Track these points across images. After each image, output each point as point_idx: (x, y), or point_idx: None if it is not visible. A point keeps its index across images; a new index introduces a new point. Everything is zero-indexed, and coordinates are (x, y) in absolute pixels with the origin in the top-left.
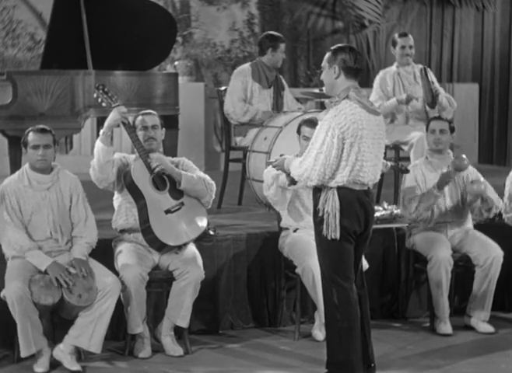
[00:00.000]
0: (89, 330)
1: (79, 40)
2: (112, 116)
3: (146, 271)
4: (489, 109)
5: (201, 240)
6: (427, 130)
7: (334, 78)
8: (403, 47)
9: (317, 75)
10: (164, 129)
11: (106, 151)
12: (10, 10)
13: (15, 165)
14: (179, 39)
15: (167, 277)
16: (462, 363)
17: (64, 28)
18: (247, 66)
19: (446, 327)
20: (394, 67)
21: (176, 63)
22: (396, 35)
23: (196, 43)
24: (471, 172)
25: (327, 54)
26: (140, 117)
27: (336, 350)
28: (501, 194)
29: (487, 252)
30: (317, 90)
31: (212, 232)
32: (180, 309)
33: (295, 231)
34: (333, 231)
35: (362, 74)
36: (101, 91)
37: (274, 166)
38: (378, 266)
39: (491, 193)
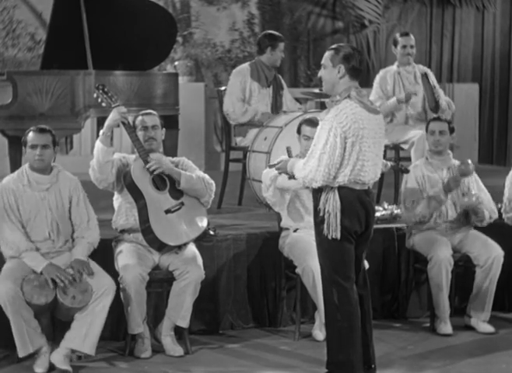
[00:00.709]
0: (82, 332)
1: (79, 40)
2: (112, 117)
3: (146, 271)
4: (489, 109)
5: (201, 240)
6: (427, 131)
7: (338, 77)
8: (404, 47)
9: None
10: (164, 129)
11: (106, 152)
12: (10, 10)
13: (15, 165)
14: (179, 39)
15: (167, 277)
16: (462, 363)
17: (64, 28)
18: (245, 66)
19: (446, 327)
20: (394, 67)
21: (176, 63)
22: (397, 34)
23: (196, 43)
24: (470, 181)
25: (330, 53)
26: (140, 117)
27: (336, 350)
28: (501, 194)
29: (487, 252)
30: (317, 90)
31: (212, 232)
32: (180, 309)
33: (295, 231)
34: (334, 231)
35: (362, 74)
36: (101, 91)
37: (277, 169)
38: (378, 266)
39: (489, 203)
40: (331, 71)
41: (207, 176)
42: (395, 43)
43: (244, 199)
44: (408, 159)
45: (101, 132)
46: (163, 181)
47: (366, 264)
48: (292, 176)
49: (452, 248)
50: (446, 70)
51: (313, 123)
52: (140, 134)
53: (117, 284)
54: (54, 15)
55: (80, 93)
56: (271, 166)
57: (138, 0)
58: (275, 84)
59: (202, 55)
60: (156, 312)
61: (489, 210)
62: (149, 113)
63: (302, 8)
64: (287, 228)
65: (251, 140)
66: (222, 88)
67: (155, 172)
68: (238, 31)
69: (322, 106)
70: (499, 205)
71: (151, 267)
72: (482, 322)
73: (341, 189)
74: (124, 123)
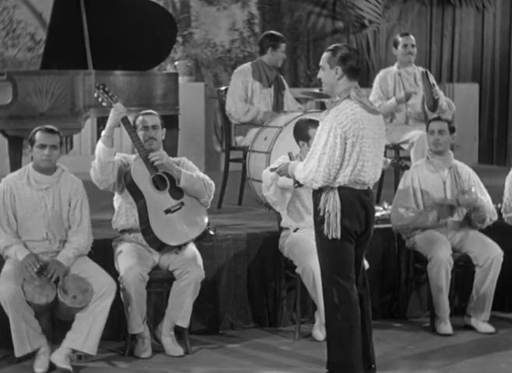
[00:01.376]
0: (84, 332)
1: (79, 40)
2: (112, 116)
3: (146, 271)
4: (489, 109)
5: (201, 240)
6: (427, 131)
7: (336, 79)
8: (405, 46)
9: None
10: (164, 129)
11: (108, 153)
12: (10, 10)
13: (15, 165)
14: (179, 39)
15: (167, 277)
16: (462, 363)
17: (64, 28)
18: (247, 65)
19: (446, 327)
20: (395, 68)
21: (176, 63)
22: (398, 35)
23: (196, 43)
24: (462, 167)
25: (327, 54)
26: (141, 117)
27: (336, 350)
28: (501, 194)
29: (487, 252)
30: (317, 90)
31: (212, 232)
32: (180, 309)
33: (295, 231)
34: (334, 231)
35: (361, 73)
36: (102, 90)
37: (278, 172)
38: (378, 266)
39: (488, 205)
40: (329, 73)
41: (207, 177)
42: (396, 44)
43: (244, 199)
44: (408, 159)
45: (103, 133)
46: (163, 181)
47: (366, 264)
48: (297, 182)
49: (452, 248)
50: (446, 70)
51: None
52: (140, 133)
53: (117, 284)
54: (54, 15)
55: (80, 93)
56: (272, 170)
57: (138, 0)
58: (276, 84)
59: (202, 55)
60: (156, 312)
61: (489, 213)
62: (150, 113)
63: (302, 8)
64: (287, 228)
65: (251, 140)
66: (223, 88)
67: (154, 164)
68: (238, 31)
69: (322, 106)
70: (499, 205)
71: (151, 267)
72: (482, 322)
73: (341, 189)
74: (124, 123)
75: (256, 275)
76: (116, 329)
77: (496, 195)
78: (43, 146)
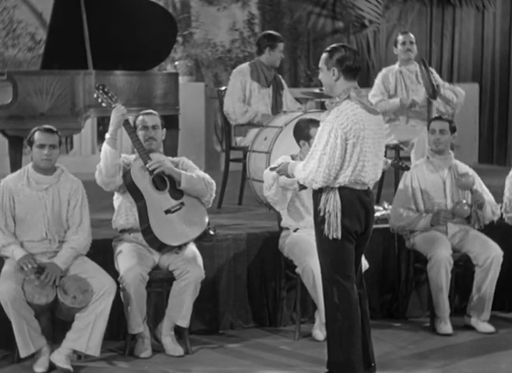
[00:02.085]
0: (86, 333)
1: (79, 40)
2: (114, 118)
3: (146, 271)
4: (489, 109)
5: (201, 240)
6: (428, 130)
7: (333, 80)
8: (404, 43)
9: (317, 75)
10: (165, 129)
11: (114, 154)
12: (10, 10)
13: (15, 165)
14: (179, 39)
15: (167, 277)
16: (462, 363)
17: (64, 28)
18: (245, 65)
19: (446, 327)
20: (396, 66)
21: (176, 63)
22: (398, 34)
23: (196, 43)
24: (462, 167)
25: (324, 55)
26: (141, 117)
27: (337, 349)
28: (501, 194)
29: (487, 252)
30: (317, 90)
31: (212, 232)
32: (180, 309)
33: (295, 231)
34: (334, 231)
35: (361, 73)
36: (101, 91)
37: (277, 172)
38: (378, 265)
39: (489, 200)
40: (326, 74)
41: (207, 176)
42: (396, 43)
43: (244, 199)
44: (408, 159)
45: (107, 135)
46: (163, 181)
47: (366, 264)
48: (302, 186)
49: (452, 247)
50: (446, 70)
51: (318, 122)
52: (140, 133)
53: (117, 284)
54: (54, 15)
55: (80, 93)
56: (271, 169)
57: (138, 0)
58: (274, 84)
59: (202, 55)
60: (156, 312)
61: (491, 204)
62: (150, 113)
63: (302, 8)
64: (287, 228)
65: (251, 140)
66: (223, 88)
67: (155, 172)
68: (238, 31)
69: (322, 106)
70: (500, 205)
71: (151, 267)
72: (481, 322)
73: (341, 189)
74: (124, 124)
75: (256, 275)
76: (116, 329)
77: (496, 195)
78: (42, 146)
